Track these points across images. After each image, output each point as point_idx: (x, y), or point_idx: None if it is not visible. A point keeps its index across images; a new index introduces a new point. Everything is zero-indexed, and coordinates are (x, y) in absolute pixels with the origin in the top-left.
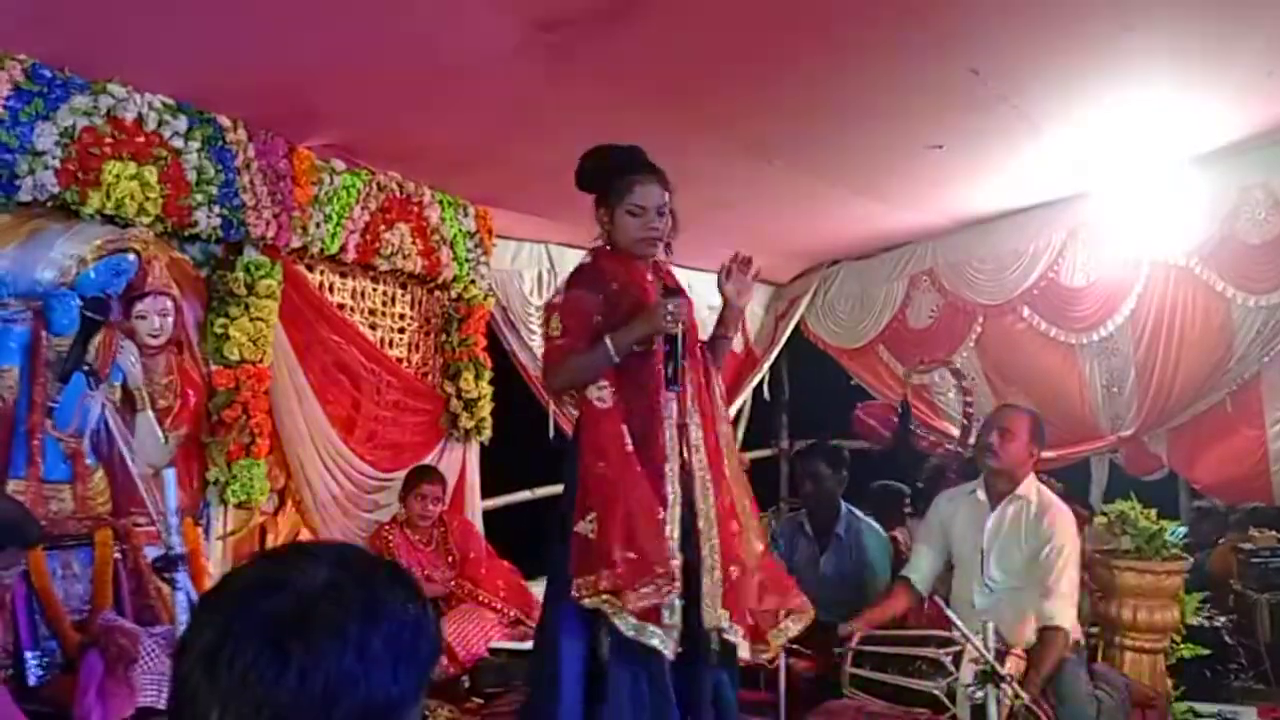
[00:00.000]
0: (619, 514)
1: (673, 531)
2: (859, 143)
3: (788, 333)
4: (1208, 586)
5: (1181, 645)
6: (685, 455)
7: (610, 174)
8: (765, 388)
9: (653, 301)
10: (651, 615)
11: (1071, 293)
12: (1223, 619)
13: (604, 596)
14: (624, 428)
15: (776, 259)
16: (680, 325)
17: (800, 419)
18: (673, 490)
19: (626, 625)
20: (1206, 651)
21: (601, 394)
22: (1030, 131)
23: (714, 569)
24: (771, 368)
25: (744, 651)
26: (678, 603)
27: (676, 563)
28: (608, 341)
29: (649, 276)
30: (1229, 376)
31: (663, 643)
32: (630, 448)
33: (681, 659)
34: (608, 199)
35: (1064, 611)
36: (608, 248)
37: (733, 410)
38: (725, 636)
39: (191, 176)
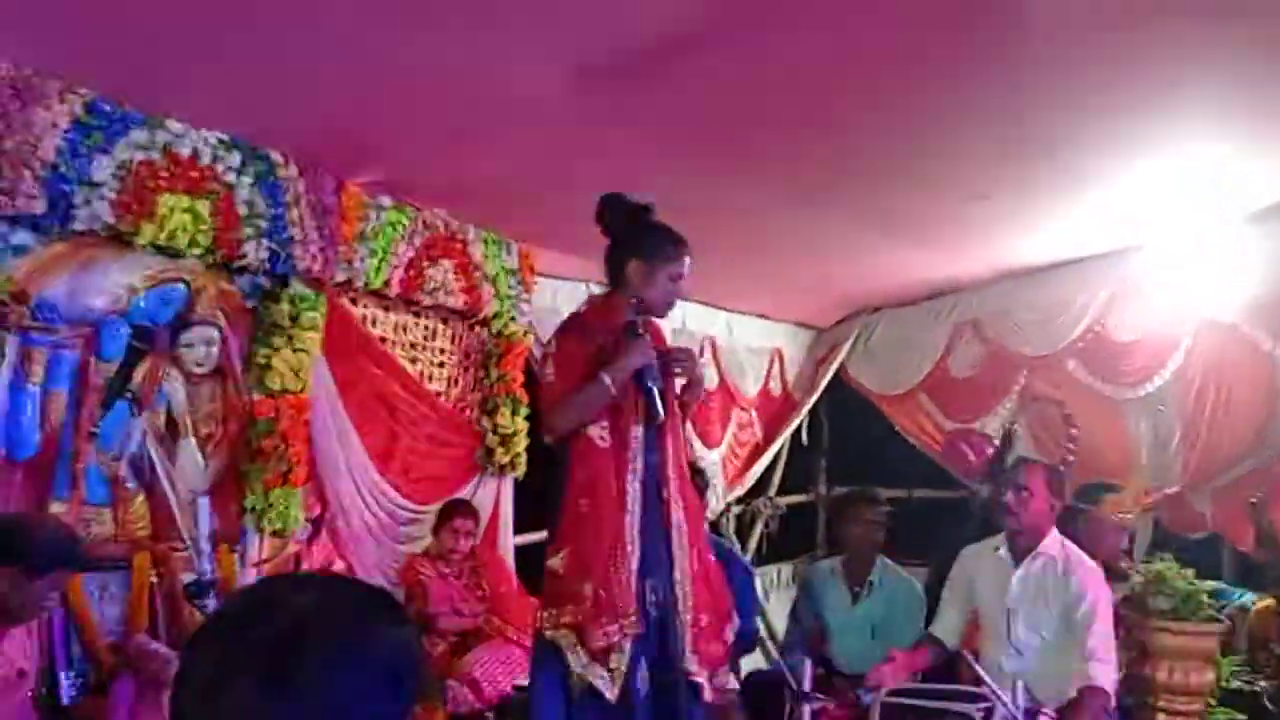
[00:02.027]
0: (592, 551)
1: (639, 579)
2: (903, 191)
3: (827, 378)
4: (1246, 648)
5: (1218, 709)
6: (666, 501)
7: (658, 233)
8: (804, 432)
9: (635, 343)
10: (601, 656)
11: (1120, 347)
12: (1263, 683)
13: (563, 631)
14: (614, 470)
15: (818, 304)
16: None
17: (839, 465)
18: (647, 534)
19: (577, 661)
20: (1243, 717)
21: (603, 433)
22: (1077, 185)
23: (686, 614)
24: (810, 412)
25: (708, 694)
26: (627, 647)
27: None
28: (604, 376)
29: (620, 327)
30: (1275, 438)
31: (605, 685)
32: (615, 491)
33: (657, 701)
34: (646, 254)
35: (1106, 673)
36: (601, 298)
37: (769, 454)
38: (692, 679)
39: (242, 210)
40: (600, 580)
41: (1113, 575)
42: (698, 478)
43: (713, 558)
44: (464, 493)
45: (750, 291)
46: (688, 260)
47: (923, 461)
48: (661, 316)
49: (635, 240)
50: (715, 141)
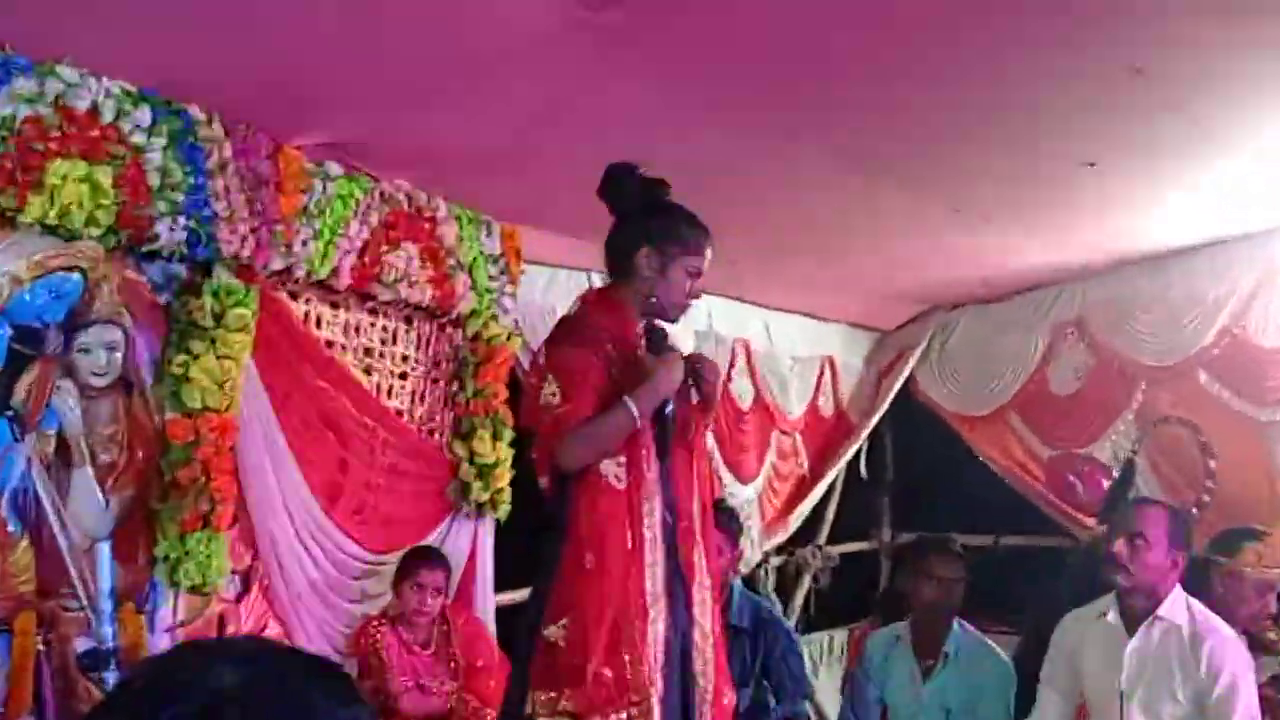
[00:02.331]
0: (601, 622)
1: (659, 651)
2: (988, 156)
3: (893, 394)
4: None
5: None
6: (686, 556)
7: (677, 216)
8: (862, 463)
9: (666, 357)
10: None
11: (1264, 354)
12: None
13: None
14: (629, 517)
15: (880, 299)
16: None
17: (906, 504)
18: (669, 597)
19: None
20: None
21: (619, 471)
22: (1212, 147)
23: (708, 693)
24: (871, 437)
25: None
26: None
27: (658, 691)
28: (629, 403)
29: (639, 333)
30: None
31: None
32: (631, 544)
33: None
34: (661, 241)
35: None
36: (601, 293)
37: (818, 491)
38: None
39: (154, 180)
40: (610, 656)
41: (1257, 647)
42: (728, 521)
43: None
44: (432, 538)
45: (795, 284)
46: (709, 252)
47: (1012, 500)
48: (674, 320)
49: (648, 223)
50: (750, 94)
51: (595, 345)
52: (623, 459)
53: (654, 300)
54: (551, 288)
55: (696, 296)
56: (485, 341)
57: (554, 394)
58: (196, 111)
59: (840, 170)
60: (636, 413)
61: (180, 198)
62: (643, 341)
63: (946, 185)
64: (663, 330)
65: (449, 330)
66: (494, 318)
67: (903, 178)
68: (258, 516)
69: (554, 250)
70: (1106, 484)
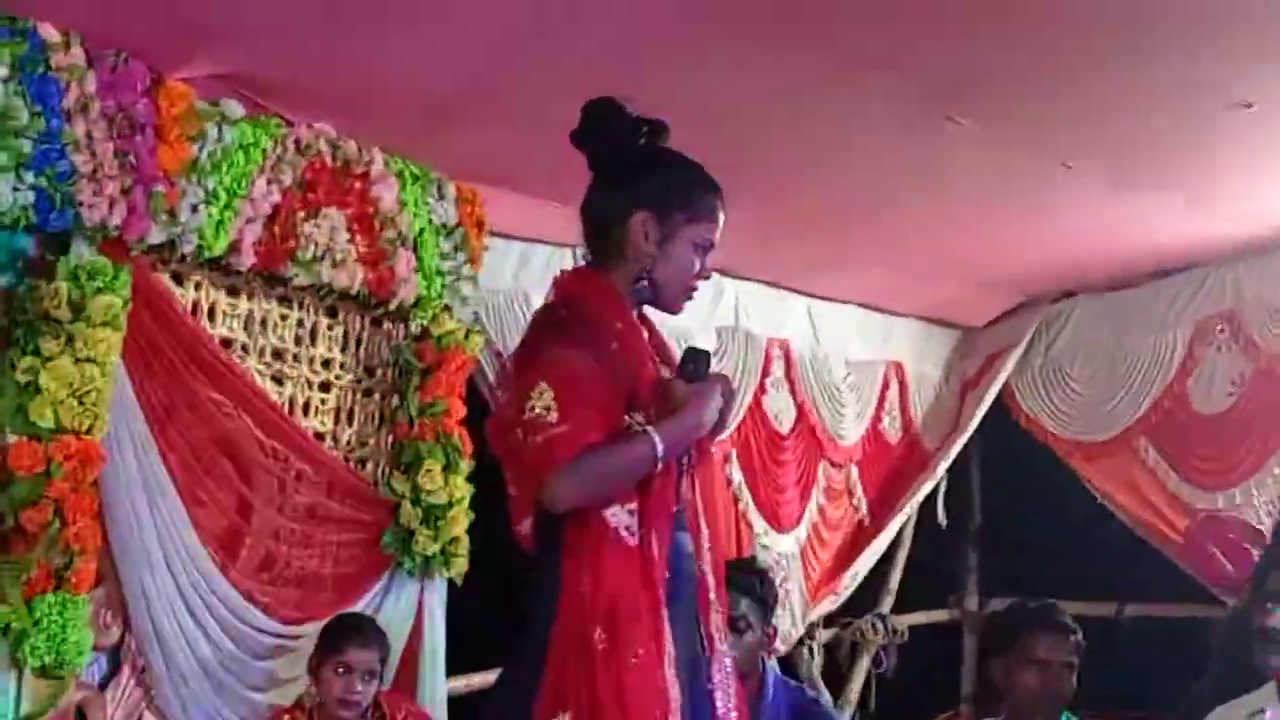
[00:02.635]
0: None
1: None
2: (1110, 96)
3: (981, 413)
4: None
5: None
6: (706, 628)
7: (682, 172)
8: (941, 505)
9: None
10: None
11: None
12: None
13: None
14: (645, 583)
15: (964, 286)
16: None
17: (999, 561)
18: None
19: None
20: None
21: (631, 522)
22: None
23: None
24: (952, 471)
25: None
26: None
27: None
28: (655, 436)
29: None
30: None
31: None
32: (649, 614)
33: None
34: (659, 206)
35: None
36: (580, 276)
37: (882, 542)
38: None
39: None
40: None
41: None
42: (758, 588)
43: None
44: (362, 605)
45: (849, 265)
46: (722, 217)
47: (1141, 553)
48: (675, 310)
49: (642, 180)
50: (786, 3)
51: (599, 344)
52: (634, 506)
53: (648, 283)
54: (525, 269)
55: (705, 277)
56: (436, 341)
57: (547, 408)
58: (49, 31)
59: (912, 112)
60: (662, 450)
61: (25, 147)
62: (682, 367)
63: (1057, 134)
64: (705, 353)
65: (387, 326)
66: (447, 309)
67: (997, 123)
68: (129, 574)
69: (529, 219)
70: (1249, 545)
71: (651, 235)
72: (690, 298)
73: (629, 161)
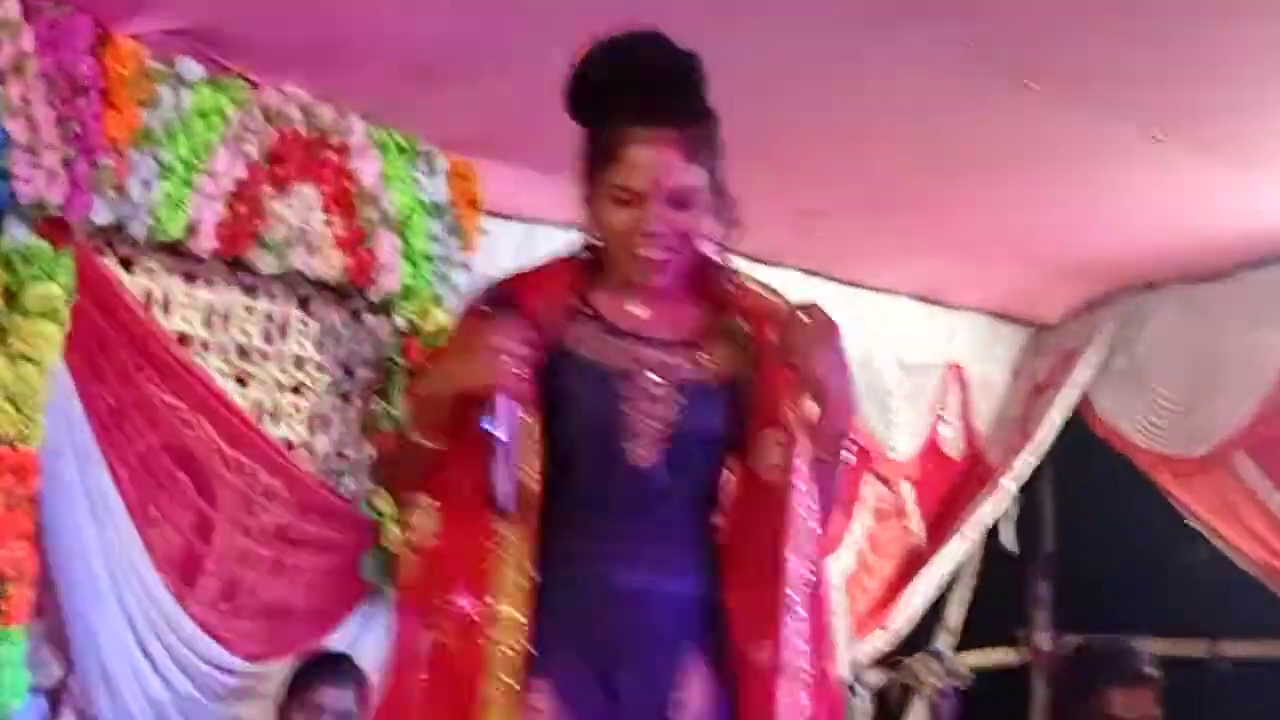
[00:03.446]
0: None
1: None
2: (1208, 56)
3: (1055, 422)
4: None
5: None
6: None
7: (592, 107)
8: (1010, 528)
9: None
10: None
11: None
12: None
13: None
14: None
15: (1036, 276)
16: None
17: (1074, 594)
18: None
19: None
20: None
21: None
22: None
23: None
24: (1024, 490)
25: None
26: None
27: None
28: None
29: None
30: None
31: None
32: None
33: None
34: (589, 161)
35: None
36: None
37: (942, 569)
38: None
39: None
40: None
41: None
42: None
43: None
44: (337, 638)
45: (902, 252)
46: (633, 151)
47: (1239, 586)
48: (646, 279)
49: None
50: None
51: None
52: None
53: (610, 254)
54: (527, 254)
55: (657, 232)
56: (423, 338)
57: None
58: None
59: (975, 73)
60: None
61: None
62: None
63: (1141, 96)
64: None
65: (368, 320)
66: (437, 301)
67: (1073, 84)
68: (72, 605)
69: (533, 197)
70: None
71: (583, 198)
72: (646, 266)
73: (578, 107)
